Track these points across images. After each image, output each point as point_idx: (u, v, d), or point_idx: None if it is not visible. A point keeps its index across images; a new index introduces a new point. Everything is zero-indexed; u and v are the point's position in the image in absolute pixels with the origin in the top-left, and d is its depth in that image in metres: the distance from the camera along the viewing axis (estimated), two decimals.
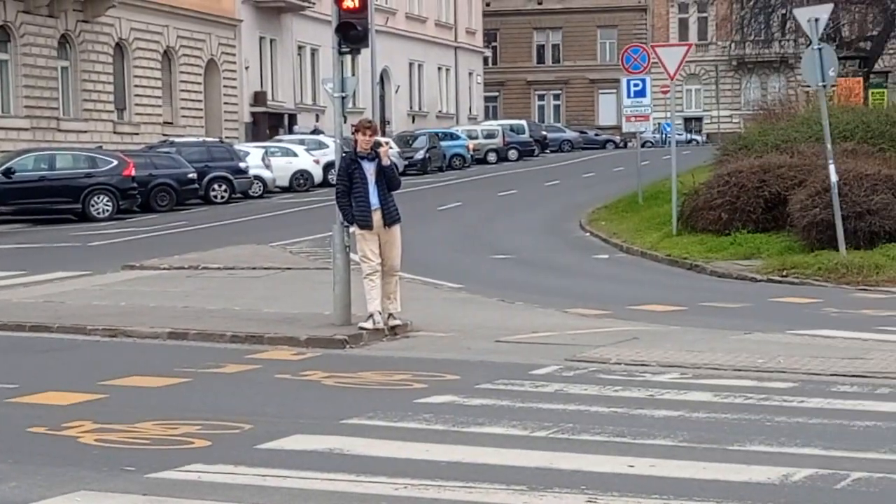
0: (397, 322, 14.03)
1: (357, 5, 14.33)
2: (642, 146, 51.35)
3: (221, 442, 8.58)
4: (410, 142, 54.54)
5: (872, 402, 10.19)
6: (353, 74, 55.86)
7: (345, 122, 14.86)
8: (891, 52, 51.23)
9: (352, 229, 14.19)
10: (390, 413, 9.56)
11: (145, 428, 8.99)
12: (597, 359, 12.38)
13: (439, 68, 72.71)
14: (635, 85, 31.66)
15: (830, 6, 24.20)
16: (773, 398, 10.28)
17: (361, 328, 13.76)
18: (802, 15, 22.38)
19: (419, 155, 53.07)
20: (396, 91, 66.66)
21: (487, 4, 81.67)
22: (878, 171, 22.93)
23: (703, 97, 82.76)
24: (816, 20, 21.25)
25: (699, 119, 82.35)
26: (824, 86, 21.91)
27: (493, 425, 9.14)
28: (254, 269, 21.40)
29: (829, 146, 21.65)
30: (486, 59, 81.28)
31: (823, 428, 9.05)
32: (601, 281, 21.09)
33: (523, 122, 68.90)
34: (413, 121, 67.91)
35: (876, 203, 21.92)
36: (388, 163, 14.04)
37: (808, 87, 28.42)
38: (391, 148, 33.32)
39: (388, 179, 13.96)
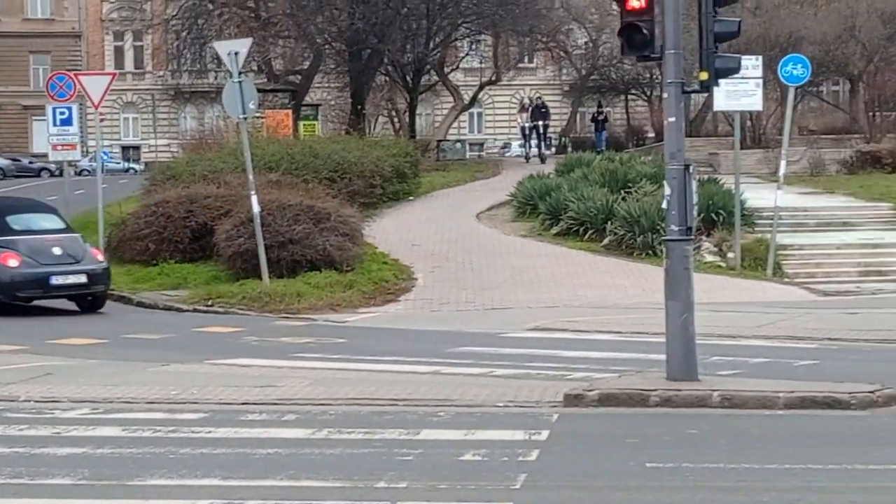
0: None
1: None
2: (79, 174, 50.35)
3: None
4: None
5: (278, 429, 10.45)
6: None
7: None
8: (318, 85, 53.18)
9: None
10: None
11: None
12: (5, 397, 11.99)
13: None
14: (62, 113, 30.74)
15: (250, 40, 24.85)
16: (182, 430, 10.33)
17: None
18: (223, 48, 22.73)
19: None
20: None
21: None
22: (300, 201, 23.68)
23: (140, 126, 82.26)
24: (237, 54, 21.69)
25: (137, 147, 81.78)
26: (245, 118, 22.39)
27: None
28: None
29: (251, 177, 22.11)
30: None
31: (227, 457, 9.17)
32: (17, 318, 20.31)
33: None
34: None
35: (298, 233, 22.61)
36: None
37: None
38: None
39: None
